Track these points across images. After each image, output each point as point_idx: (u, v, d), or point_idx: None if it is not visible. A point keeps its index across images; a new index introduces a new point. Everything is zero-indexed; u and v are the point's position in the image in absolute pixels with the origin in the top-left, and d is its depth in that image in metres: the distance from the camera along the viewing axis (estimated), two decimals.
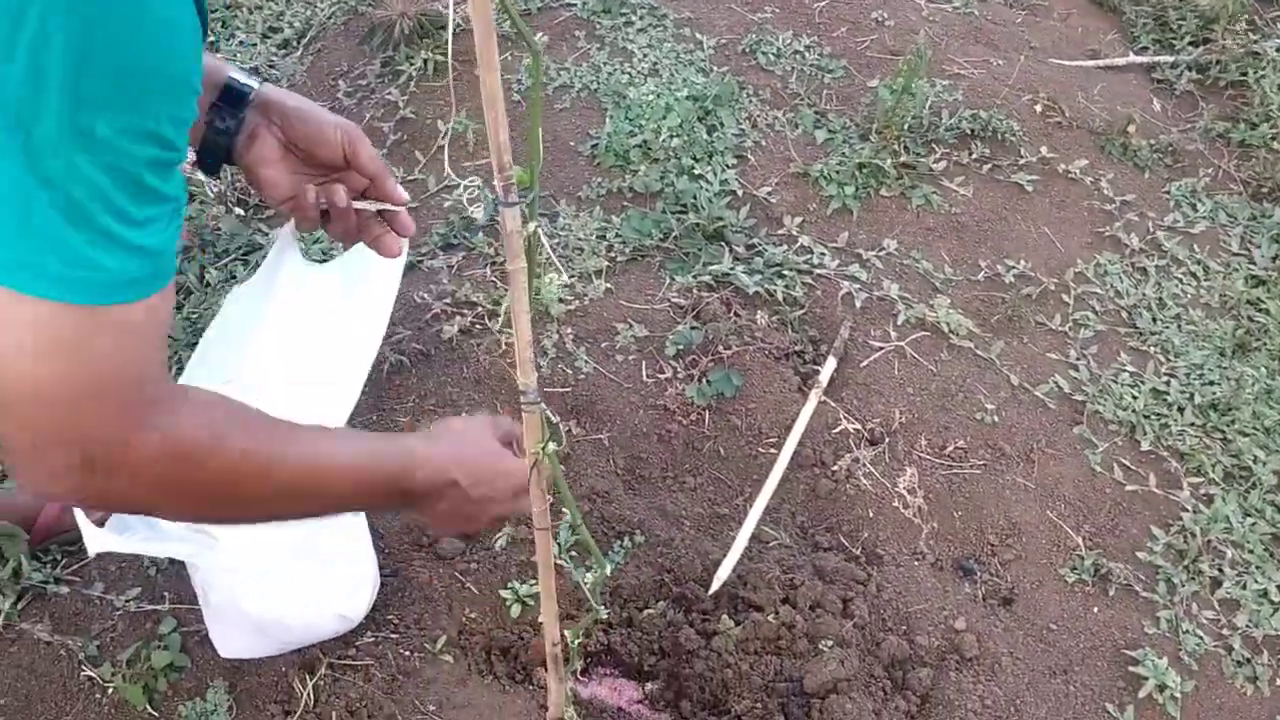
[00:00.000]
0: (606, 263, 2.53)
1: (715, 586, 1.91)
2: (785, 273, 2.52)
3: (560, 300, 2.42)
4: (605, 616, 1.75)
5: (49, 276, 0.80)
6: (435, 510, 1.21)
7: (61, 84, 0.75)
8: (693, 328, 2.37)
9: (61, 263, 0.80)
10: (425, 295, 2.39)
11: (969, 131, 2.94)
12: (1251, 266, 2.76)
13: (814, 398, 2.26)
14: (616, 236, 2.60)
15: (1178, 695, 1.94)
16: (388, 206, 1.34)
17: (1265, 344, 2.57)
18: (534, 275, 1.22)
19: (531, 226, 1.16)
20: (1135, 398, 2.42)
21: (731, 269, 2.50)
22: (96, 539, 1.41)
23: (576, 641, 1.49)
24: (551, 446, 1.27)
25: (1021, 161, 2.91)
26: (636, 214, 2.65)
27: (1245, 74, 3.33)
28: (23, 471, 0.90)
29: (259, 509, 1.08)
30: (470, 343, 2.33)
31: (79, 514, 1.43)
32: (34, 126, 0.76)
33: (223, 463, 0.97)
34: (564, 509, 1.37)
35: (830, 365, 2.32)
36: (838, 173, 2.79)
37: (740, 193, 2.74)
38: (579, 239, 2.57)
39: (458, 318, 2.35)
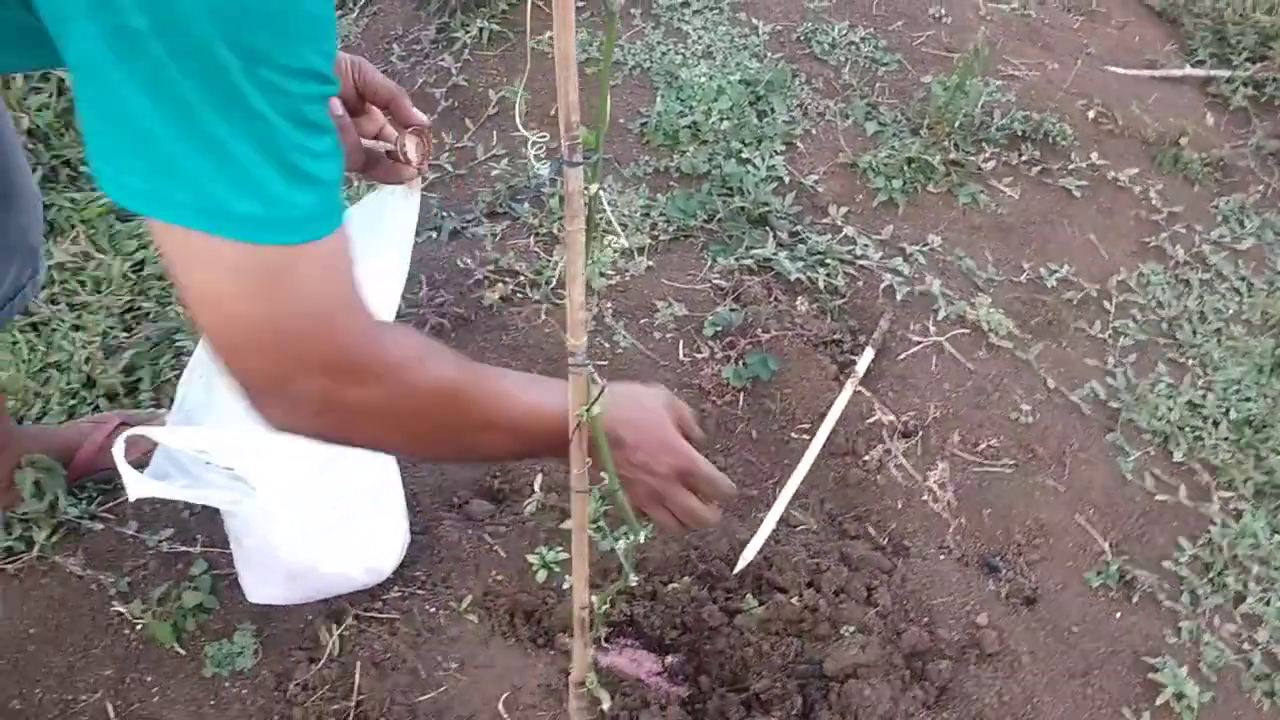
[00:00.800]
0: (650, 240, 2.54)
1: (741, 565, 1.92)
2: (828, 261, 2.53)
3: (602, 275, 2.43)
4: (635, 583, 1.76)
5: (253, 219, 0.84)
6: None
7: (227, 35, 0.78)
8: (732, 310, 2.38)
9: (261, 204, 0.83)
10: (468, 260, 2.41)
11: (1020, 133, 2.93)
12: None
13: (850, 387, 2.26)
14: (661, 215, 2.61)
15: (1194, 705, 1.93)
16: (393, 147, 1.37)
17: None
18: (591, 239, 1.23)
19: (594, 188, 1.17)
20: (1170, 409, 2.41)
21: (774, 254, 2.50)
22: (137, 484, 1.43)
23: (603, 607, 1.51)
24: (596, 409, 1.28)
25: (1071, 166, 2.90)
26: (682, 194, 2.66)
27: None
28: (266, 408, 0.96)
29: (451, 440, 1.12)
30: (510, 310, 2.35)
31: (119, 457, 1.45)
32: (216, 77, 0.79)
33: (435, 384, 1.03)
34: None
35: (868, 356, 2.32)
36: (886, 165, 2.79)
37: (787, 179, 2.74)
38: (624, 215, 2.58)
39: (499, 285, 2.37)
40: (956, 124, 2.89)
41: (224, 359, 0.93)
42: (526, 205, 2.61)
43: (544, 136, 1.20)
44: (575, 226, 1.17)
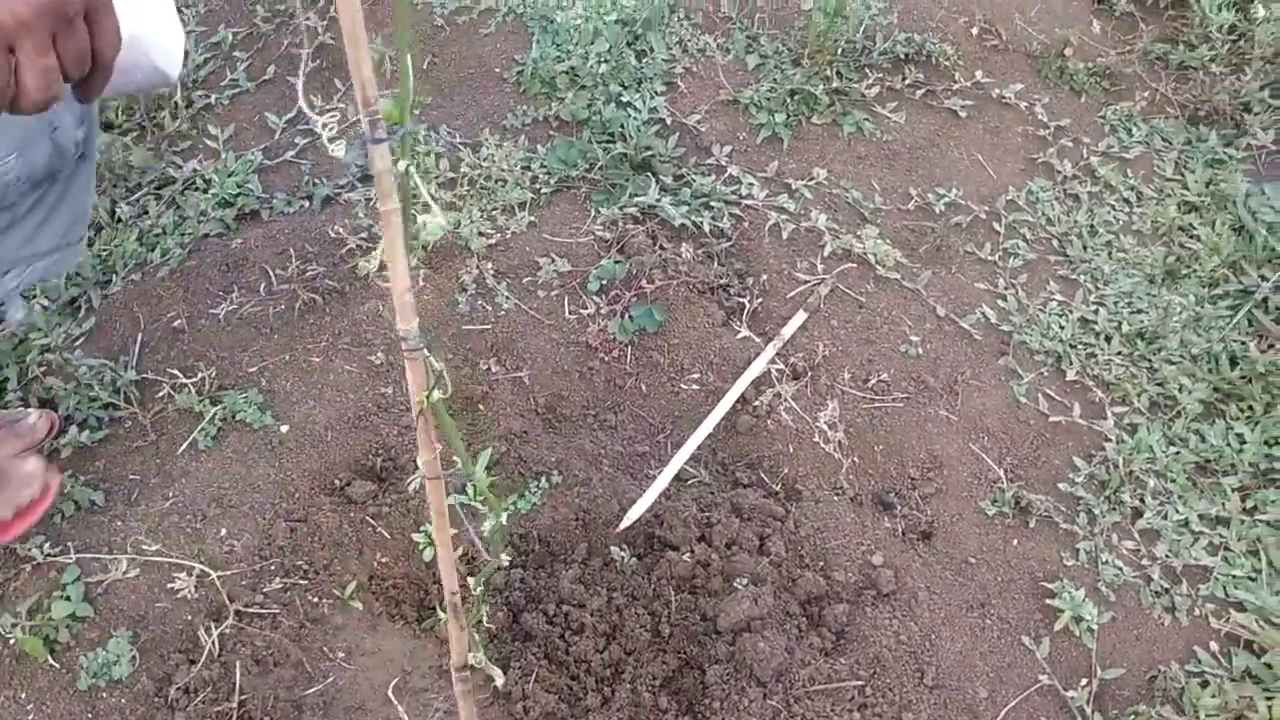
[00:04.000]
0: (531, 195, 2.47)
1: (624, 524, 1.89)
2: (713, 204, 2.48)
3: (481, 234, 2.36)
4: (508, 563, 1.72)
5: None
6: None
7: None
8: (616, 262, 2.33)
9: None
10: (340, 230, 2.33)
11: (903, 56, 2.88)
12: (1185, 192, 2.74)
13: (771, 350, 2.22)
14: (541, 167, 2.54)
15: (1094, 627, 1.95)
16: None
17: (1195, 270, 2.55)
18: (409, 218, 1.17)
19: (403, 165, 1.11)
20: (1062, 327, 2.41)
21: (658, 200, 2.45)
22: None
23: (479, 590, 1.47)
24: (437, 395, 1.23)
25: (956, 87, 2.87)
26: (563, 143, 2.59)
27: None
28: None
29: None
30: (386, 277, 2.28)
31: None
32: None
33: None
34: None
35: (799, 319, 2.28)
36: (768, 100, 2.73)
37: (669, 121, 2.68)
38: (502, 170, 2.51)
39: (373, 252, 2.29)
40: (839, 51, 2.83)
41: None
42: (402, 165, 2.52)
43: (334, 114, 1.13)
44: (389, 207, 1.11)
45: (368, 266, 2.27)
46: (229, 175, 2.51)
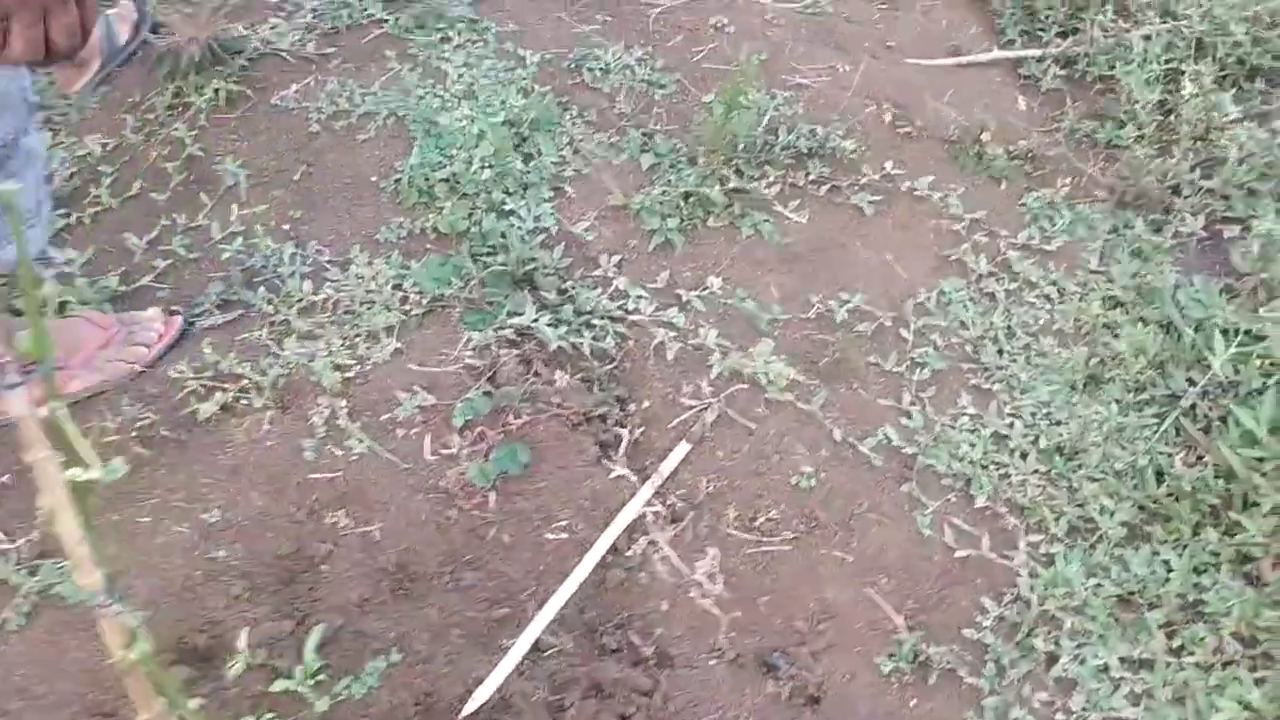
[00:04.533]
0: (400, 317, 2.30)
1: (466, 712, 1.70)
2: (595, 322, 2.30)
3: (337, 367, 2.18)
4: None
5: None
6: None
7: None
8: (485, 393, 2.15)
9: None
10: (182, 369, 2.15)
11: (806, 150, 2.72)
12: (1110, 285, 2.57)
13: (648, 490, 2.04)
14: (414, 285, 2.37)
15: None
16: None
17: (1119, 374, 2.37)
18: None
19: (47, 410, 0.93)
20: (973, 445, 2.23)
21: (536, 320, 2.27)
22: None
23: None
24: (140, 650, 1.05)
25: (863, 180, 2.70)
26: (437, 258, 2.42)
27: (1113, 67, 3.12)
28: None
29: None
30: (231, 423, 2.10)
31: None
32: None
33: None
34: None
35: (681, 452, 2.10)
36: (661, 204, 2.56)
37: (555, 229, 2.51)
38: (369, 291, 2.33)
39: (218, 393, 2.11)
40: (738, 148, 2.67)
41: None
42: (262, 291, 2.35)
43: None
44: (40, 455, 0.94)
45: (210, 409, 2.09)
46: (81, 304, 2.34)
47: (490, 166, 2.60)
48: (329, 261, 2.42)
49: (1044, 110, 3.12)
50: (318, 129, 2.71)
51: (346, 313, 2.30)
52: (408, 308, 2.32)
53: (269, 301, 2.33)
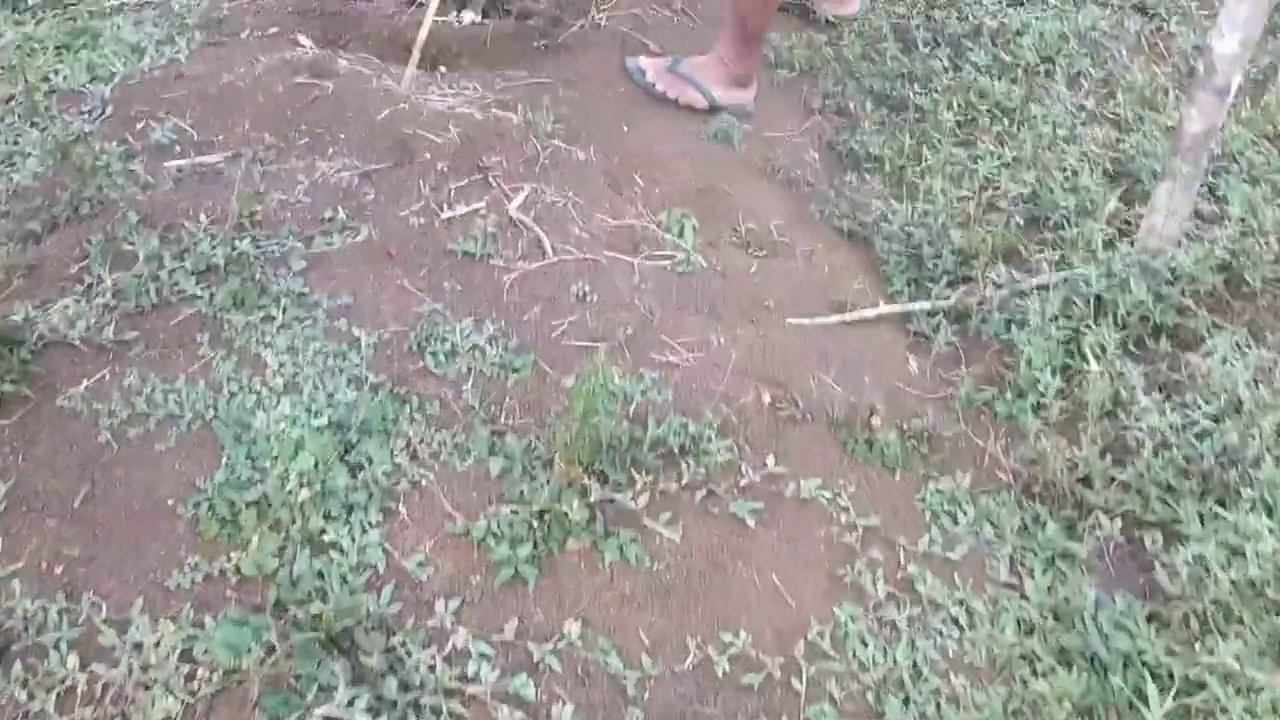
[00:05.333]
0: (184, 701, 1.88)
1: None
2: (425, 700, 1.91)
3: None
4: None
5: None
6: None
7: None
8: None
9: None
10: None
11: (677, 448, 2.39)
12: (1024, 604, 2.26)
13: None
14: (206, 654, 1.95)
15: None
16: None
17: None
18: None
19: None
20: None
21: (351, 703, 1.87)
22: None
23: None
24: None
25: (743, 483, 2.37)
26: (235, 615, 2.01)
27: (1010, 324, 2.89)
28: None
29: None
30: None
31: None
32: None
33: None
34: None
35: None
36: (510, 526, 2.20)
37: (383, 567, 2.13)
38: (149, 666, 1.91)
39: None
40: (602, 447, 2.33)
41: None
42: (16, 667, 1.92)
43: None
44: None
45: None
46: None
47: (309, 483, 2.23)
48: (105, 621, 2.00)
49: (936, 372, 2.85)
50: (108, 437, 2.32)
51: (116, 701, 1.88)
52: (195, 686, 1.91)
53: (23, 684, 1.90)
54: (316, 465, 2.26)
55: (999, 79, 3.75)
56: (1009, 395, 2.74)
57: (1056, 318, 2.81)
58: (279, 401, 2.40)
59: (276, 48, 3.59)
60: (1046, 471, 2.49)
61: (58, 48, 3.76)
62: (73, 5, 4.08)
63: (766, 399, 2.58)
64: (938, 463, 2.57)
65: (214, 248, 2.68)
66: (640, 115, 3.49)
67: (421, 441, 2.37)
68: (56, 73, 3.57)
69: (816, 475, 2.42)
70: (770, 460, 2.42)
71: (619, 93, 3.56)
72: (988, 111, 3.64)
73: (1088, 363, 2.69)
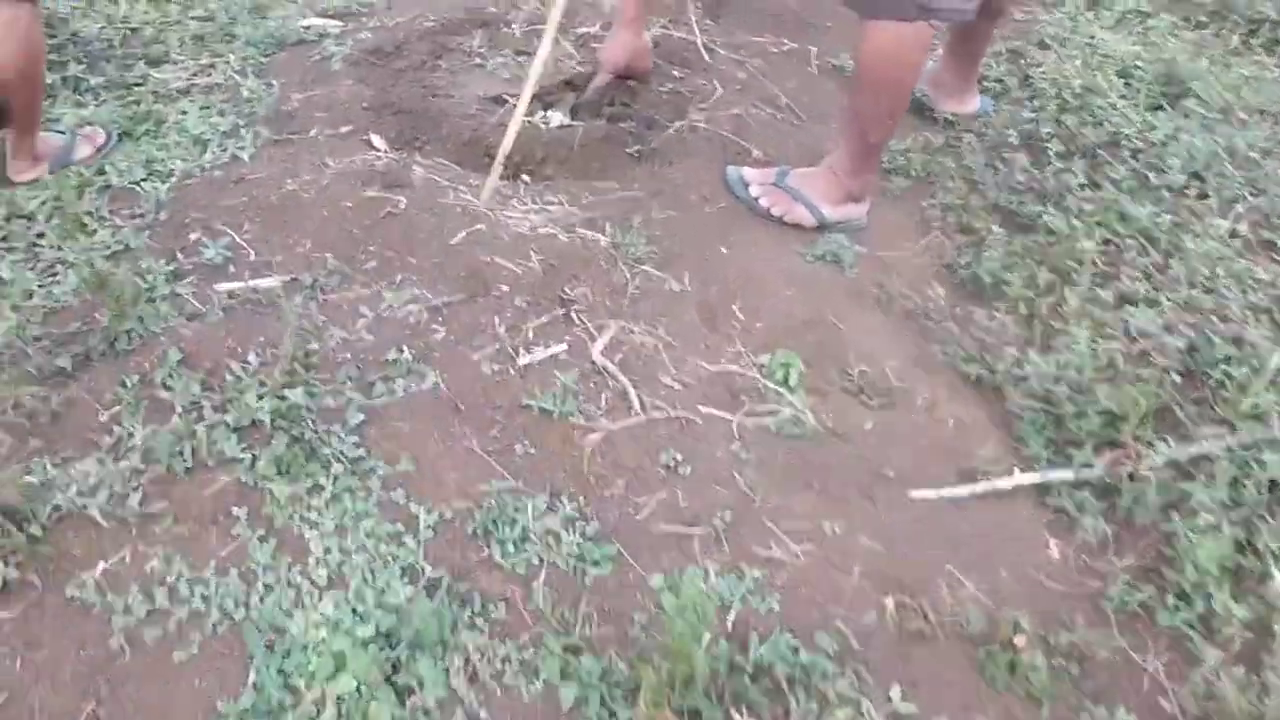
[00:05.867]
0: None
1: None
2: None
3: None
4: None
5: None
6: None
7: None
8: None
9: None
10: None
11: (786, 679, 2.01)
12: None
13: None
14: None
15: None
16: None
17: None
18: None
19: None
20: None
21: None
22: None
23: None
24: None
25: None
26: None
27: (1169, 513, 2.46)
28: None
29: None
30: None
31: None
32: None
33: None
34: None
35: None
36: None
37: None
38: None
39: None
40: (701, 670, 1.96)
41: None
42: None
43: None
44: None
45: None
46: None
47: (347, 716, 1.88)
48: None
49: (1081, 558, 2.44)
50: (122, 641, 2.00)
51: None
52: None
53: None
54: (359, 688, 1.91)
55: (1144, 202, 3.32)
56: (1171, 601, 2.31)
57: (1228, 508, 2.39)
58: (321, 598, 2.07)
59: (347, 150, 3.29)
60: (1225, 716, 2.07)
61: (120, 134, 3.50)
62: (138, 85, 3.83)
63: (890, 605, 2.19)
64: (1091, 691, 2.15)
65: (261, 399, 2.36)
66: (740, 235, 3.13)
67: (483, 658, 2.01)
68: (114, 164, 3.30)
69: (949, 712, 2.02)
70: (896, 694, 2.03)
71: (719, 209, 3.21)
72: (1131, 239, 3.22)
73: (1269, 571, 2.26)
